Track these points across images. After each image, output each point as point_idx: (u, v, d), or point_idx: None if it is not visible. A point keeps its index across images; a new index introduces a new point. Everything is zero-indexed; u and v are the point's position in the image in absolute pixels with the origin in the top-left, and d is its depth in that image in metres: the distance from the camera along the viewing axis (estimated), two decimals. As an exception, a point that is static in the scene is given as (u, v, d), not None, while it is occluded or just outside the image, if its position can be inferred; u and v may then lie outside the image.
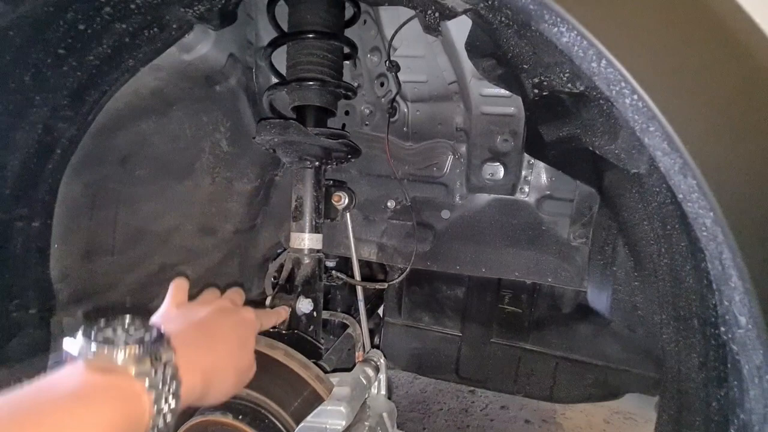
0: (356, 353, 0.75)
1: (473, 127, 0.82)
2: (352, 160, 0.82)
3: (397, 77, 0.82)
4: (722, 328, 0.34)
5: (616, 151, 0.55)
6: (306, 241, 0.77)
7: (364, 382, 0.60)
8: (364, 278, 1.23)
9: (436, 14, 0.61)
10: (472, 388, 2.17)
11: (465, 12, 0.57)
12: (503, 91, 0.74)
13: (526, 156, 0.83)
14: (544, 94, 0.61)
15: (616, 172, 0.64)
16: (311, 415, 0.53)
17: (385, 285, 0.88)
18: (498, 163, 0.84)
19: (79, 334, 0.36)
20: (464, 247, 0.91)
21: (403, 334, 1.05)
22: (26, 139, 0.72)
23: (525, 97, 0.73)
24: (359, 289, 0.86)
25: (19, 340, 0.81)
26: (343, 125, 0.97)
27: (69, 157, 0.81)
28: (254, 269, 1.28)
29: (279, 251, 1.27)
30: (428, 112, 0.87)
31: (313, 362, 0.60)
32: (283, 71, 0.81)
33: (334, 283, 0.85)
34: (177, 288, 0.55)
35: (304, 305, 0.72)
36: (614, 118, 0.52)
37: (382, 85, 0.90)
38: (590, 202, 0.81)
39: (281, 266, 0.84)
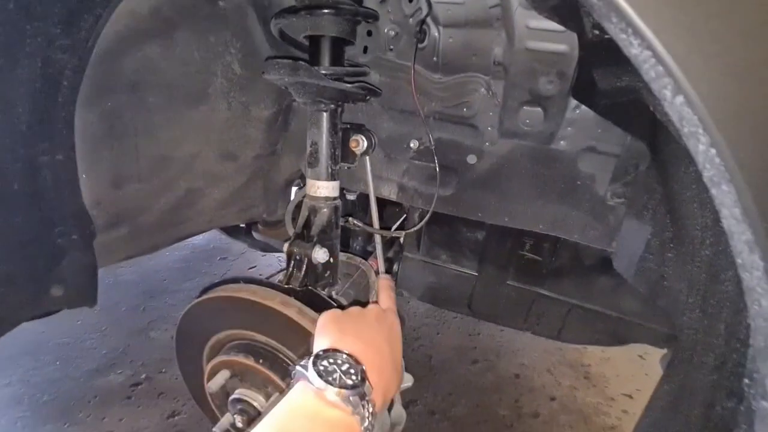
0: (370, 297, 0.78)
1: (514, 63, 0.70)
2: (370, 100, 0.73)
3: (428, -6, 0.68)
4: (746, 380, 0.31)
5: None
6: (322, 189, 0.75)
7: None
8: (386, 207, 1.23)
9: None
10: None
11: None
12: (555, 26, 0.61)
13: (572, 102, 0.71)
14: (607, 36, 0.49)
15: (675, 140, 0.54)
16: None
17: (402, 234, 0.87)
18: (538, 108, 0.73)
19: (310, 366, 0.48)
20: (489, 194, 0.86)
21: (420, 268, 1.08)
22: (29, 74, 0.69)
23: (582, 36, 0.59)
24: (376, 236, 0.85)
25: (68, 261, 0.89)
26: (365, 48, 0.85)
27: (77, 88, 0.77)
28: (278, 193, 1.30)
29: (300, 176, 1.26)
30: (463, 40, 0.74)
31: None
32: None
33: (351, 228, 0.85)
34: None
35: (320, 255, 0.73)
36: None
37: (410, 0, 0.76)
38: (638, 161, 0.71)
39: (299, 205, 0.84)
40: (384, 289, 0.73)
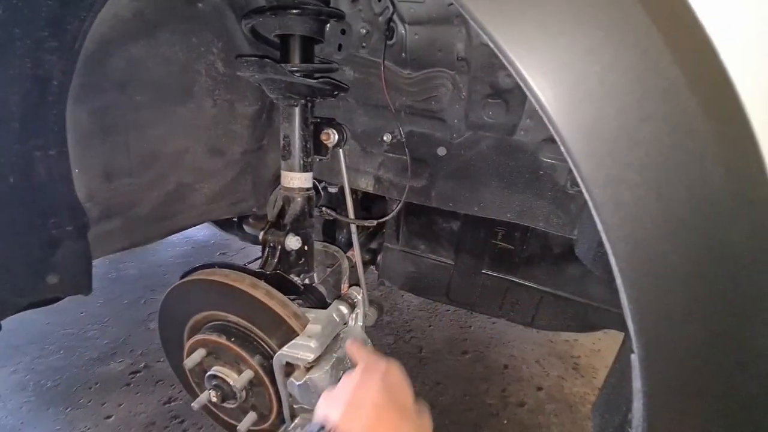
0: (342, 286, 0.82)
1: (474, 58, 0.73)
2: (338, 95, 0.77)
3: (391, -5, 0.72)
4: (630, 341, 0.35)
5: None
6: (295, 180, 0.79)
7: (337, 319, 0.68)
8: (369, 200, 1.26)
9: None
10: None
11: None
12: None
13: (531, 94, 0.74)
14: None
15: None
16: (287, 346, 0.61)
17: (374, 223, 0.91)
18: (500, 100, 0.77)
19: None
20: (459, 185, 0.89)
21: (400, 258, 1.12)
22: (19, 74, 0.73)
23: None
24: (352, 226, 0.89)
25: (62, 251, 0.94)
26: (339, 46, 0.89)
27: (67, 87, 0.82)
28: (266, 187, 1.34)
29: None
30: (427, 37, 0.77)
31: (293, 298, 0.68)
32: (266, -12, 0.73)
33: (326, 217, 0.89)
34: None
35: (293, 242, 0.77)
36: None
37: (379, 0, 0.80)
38: (594, 150, 0.74)
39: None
40: (352, 350, 0.63)
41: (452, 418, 1.49)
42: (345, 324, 0.70)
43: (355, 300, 0.72)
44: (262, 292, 0.65)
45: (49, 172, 0.87)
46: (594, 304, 0.95)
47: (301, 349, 0.60)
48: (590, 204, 0.35)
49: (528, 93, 0.35)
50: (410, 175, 0.89)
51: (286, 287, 0.68)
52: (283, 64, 0.69)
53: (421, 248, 1.10)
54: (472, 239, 1.03)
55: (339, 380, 0.62)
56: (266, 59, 0.66)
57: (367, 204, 1.28)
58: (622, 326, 0.98)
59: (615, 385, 0.65)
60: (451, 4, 0.69)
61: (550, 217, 0.83)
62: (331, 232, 1.21)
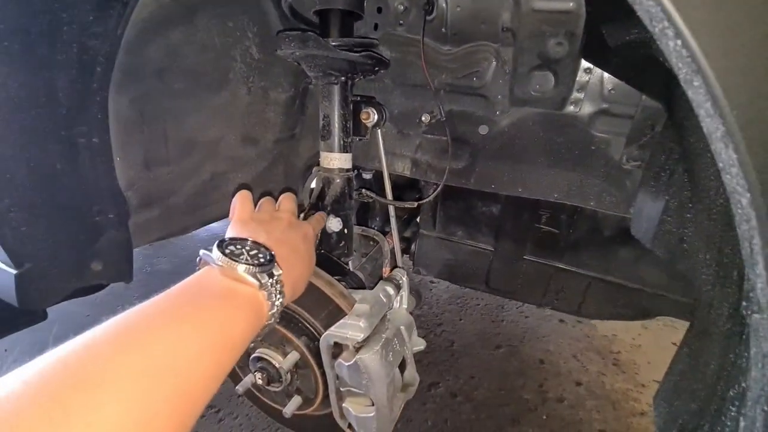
0: (383, 269, 0.80)
1: (522, 26, 0.69)
2: (380, 72, 0.75)
3: (433, -35, 0.69)
4: (744, 303, 0.31)
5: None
6: (335, 161, 0.77)
7: (384, 299, 0.65)
8: (402, 188, 1.24)
9: None
10: (511, 288, 2.27)
11: None
12: (561, -18, 0.60)
13: (583, 64, 0.70)
14: (611, -13, 0.49)
15: (688, 90, 0.53)
16: (335, 326, 0.60)
17: (415, 204, 0.88)
18: (548, 72, 0.73)
19: (215, 248, 0.47)
20: (501, 165, 0.86)
21: (436, 245, 1.08)
22: (66, 60, 0.74)
23: (587, -10, 0.59)
24: (391, 208, 0.87)
25: (106, 238, 0.96)
26: (376, 25, 0.87)
27: (110, 74, 0.83)
28: (298, 176, 1.34)
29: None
30: (470, 9, 0.74)
31: (338, 279, 0.66)
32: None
33: (365, 200, 0.87)
34: (243, 200, 0.65)
35: (334, 224, 0.76)
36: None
37: (418, -27, 0.77)
38: (654, 121, 0.69)
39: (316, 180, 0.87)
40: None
41: (488, 413, 1.45)
42: (390, 307, 0.68)
43: (400, 281, 0.70)
44: (308, 272, 0.63)
45: (93, 160, 0.89)
46: (648, 289, 0.89)
47: (350, 329, 0.58)
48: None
49: None
50: (450, 156, 0.86)
51: (331, 268, 0.67)
52: (324, 39, 0.68)
53: (459, 234, 1.07)
54: (514, 223, 0.98)
55: (389, 362, 0.60)
56: (309, 33, 0.64)
57: (397, 194, 1.26)
58: (679, 312, 0.92)
59: (684, 371, 0.60)
60: (499, -31, 0.66)
61: (603, 196, 0.78)
62: (364, 217, 1.19)
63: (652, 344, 1.85)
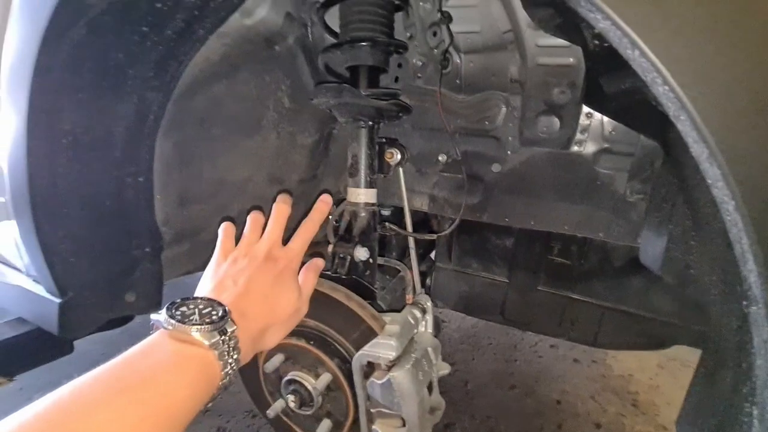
0: (407, 296, 0.85)
1: (529, 78, 0.79)
2: (404, 117, 0.84)
3: (449, 28, 0.80)
4: (744, 302, 0.36)
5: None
6: (362, 196, 0.84)
7: (412, 321, 0.69)
8: (416, 226, 1.31)
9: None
10: (522, 327, 2.26)
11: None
12: (561, 42, 0.70)
13: (584, 108, 0.79)
14: (605, 44, 0.58)
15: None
16: (368, 345, 0.63)
17: (435, 237, 0.94)
18: (553, 116, 0.82)
19: (164, 310, 0.47)
20: (514, 199, 0.92)
21: (452, 278, 1.13)
22: (126, 109, 0.84)
23: (585, 47, 0.68)
24: (410, 239, 0.93)
25: (140, 271, 1.01)
26: (396, 78, 0.98)
27: (160, 121, 0.93)
28: (317, 214, 1.41)
29: (339, 199, 1.37)
30: (482, 63, 0.85)
31: (368, 303, 0.70)
32: (337, 28, 0.83)
33: (387, 233, 0.93)
34: (225, 236, 0.68)
35: (361, 253, 0.81)
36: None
37: (434, 35, 0.88)
38: (652, 157, 0.77)
39: (341, 215, 0.94)
40: (309, 220, 0.70)
41: (508, 455, 1.41)
42: (416, 328, 0.72)
43: (425, 306, 0.74)
44: (342, 294, 0.68)
45: (137, 197, 0.97)
46: (661, 318, 0.92)
47: (382, 348, 0.62)
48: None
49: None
50: (466, 193, 0.93)
51: (361, 292, 0.71)
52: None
53: (474, 266, 1.11)
54: (527, 255, 1.04)
55: (420, 380, 0.63)
56: (344, 84, 0.74)
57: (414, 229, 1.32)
58: (693, 341, 0.94)
59: (702, 391, 0.63)
60: (507, 31, 0.77)
61: (611, 227, 0.84)
62: (381, 252, 1.25)
63: (671, 384, 1.81)
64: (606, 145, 0.81)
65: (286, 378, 0.71)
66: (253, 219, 0.70)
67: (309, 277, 0.67)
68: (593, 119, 0.80)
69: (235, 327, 0.49)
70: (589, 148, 0.82)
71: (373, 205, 0.86)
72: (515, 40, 0.77)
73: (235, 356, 0.48)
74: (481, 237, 1.08)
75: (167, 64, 0.84)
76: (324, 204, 0.75)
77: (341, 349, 0.68)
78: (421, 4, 0.87)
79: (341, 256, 0.81)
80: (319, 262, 0.71)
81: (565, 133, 0.82)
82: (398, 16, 0.89)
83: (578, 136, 0.82)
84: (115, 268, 0.96)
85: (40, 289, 0.94)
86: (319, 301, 0.69)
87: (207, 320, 0.46)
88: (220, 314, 0.48)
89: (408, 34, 0.91)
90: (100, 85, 0.77)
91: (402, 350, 0.63)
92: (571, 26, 0.65)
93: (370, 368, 0.64)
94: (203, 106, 0.99)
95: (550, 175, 0.87)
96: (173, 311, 0.47)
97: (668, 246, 0.74)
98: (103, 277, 0.94)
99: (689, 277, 0.70)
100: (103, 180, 0.88)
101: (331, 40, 0.95)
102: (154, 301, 1.05)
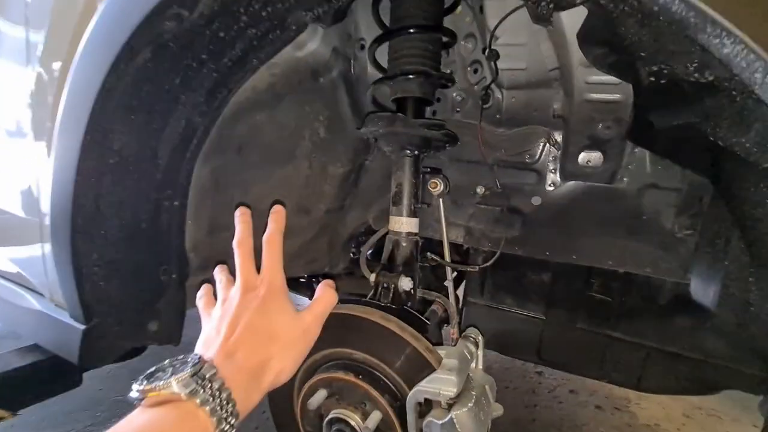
0: (450, 330, 0.81)
1: (574, 113, 0.81)
2: (449, 148, 0.85)
3: (495, 65, 0.83)
4: None
5: (747, 144, 0.52)
6: (404, 224, 0.83)
7: (468, 356, 0.66)
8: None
9: (551, 5, 0.61)
10: (540, 369, 2.18)
11: (584, 3, 0.57)
12: (611, 78, 0.72)
13: (630, 142, 0.80)
14: (662, 81, 0.59)
15: (740, 163, 0.61)
16: (425, 380, 0.60)
17: (476, 268, 0.93)
18: (597, 151, 0.83)
19: (134, 384, 0.44)
20: (554, 233, 0.91)
21: (484, 314, 1.09)
22: (173, 133, 0.85)
23: (637, 84, 0.70)
24: (448, 271, 0.91)
25: (166, 298, 0.98)
26: (434, 112, 1.00)
27: (201, 147, 0.94)
28: (340, 246, 1.39)
29: (363, 231, 1.36)
30: (524, 99, 0.87)
31: (421, 334, 0.67)
32: (383, 62, 0.86)
33: (428, 264, 0.91)
34: (204, 300, 0.66)
35: (405, 283, 0.79)
36: (748, 109, 0.49)
37: (475, 72, 0.91)
38: (701, 193, 0.77)
39: (374, 246, 0.92)
40: (267, 241, 0.67)
41: None
42: (471, 363, 0.68)
43: (477, 339, 0.71)
44: (395, 325, 0.65)
45: (170, 222, 0.95)
46: (711, 360, 0.89)
47: (442, 384, 0.58)
48: None
49: None
50: (506, 225, 0.92)
51: (413, 322, 0.68)
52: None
53: (508, 302, 1.08)
54: (566, 291, 1.01)
55: (482, 421, 0.59)
56: (397, 114, 0.75)
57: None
58: (748, 385, 0.90)
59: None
60: (553, 69, 0.79)
61: (658, 262, 0.82)
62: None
63: (701, 435, 1.72)
64: (652, 180, 0.81)
65: (329, 416, 0.66)
66: (220, 267, 0.69)
67: (325, 293, 0.63)
68: (638, 154, 0.81)
69: (215, 370, 0.45)
70: (634, 182, 0.83)
71: (415, 234, 0.85)
72: (561, 77, 0.79)
73: (225, 398, 0.43)
74: (516, 271, 1.06)
75: (218, 91, 0.86)
76: (278, 214, 0.73)
77: (393, 384, 0.64)
78: (462, 43, 0.90)
79: (385, 285, 0.79)
80: (329, 282, 0.68)
81: (609, 167, 0.83)
82: (439, 54, 0.92)
83: (623, 170, 0.83)
84: (142, 295, 0.92)
85: (63, 315, 0.90)
86: (369, 332, 0.66)
87: (178, 372, 0.43)
88: (192, 363, 0.45)
89: (449, 71, 0.94)
90: (153, 108, 0.78)
91: (461, 386, 0.60)
92: (625, 64, 0.67)
93: (426, 406, 0.60)
94: (243, 133, 1.00)
95: (593, 210, 0.87)
96: (143, 379, 0.44)
97: (724, 283, 0.72)
98: (129, 304, 0.90)
99: (751, 315, 0.68)
100: (142, 202, 0.87)
101: (372, 74, 0.98)
102: (176, 332, 1.00)
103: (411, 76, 0.79)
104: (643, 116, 0.73)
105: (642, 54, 0.57)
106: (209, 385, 0.43)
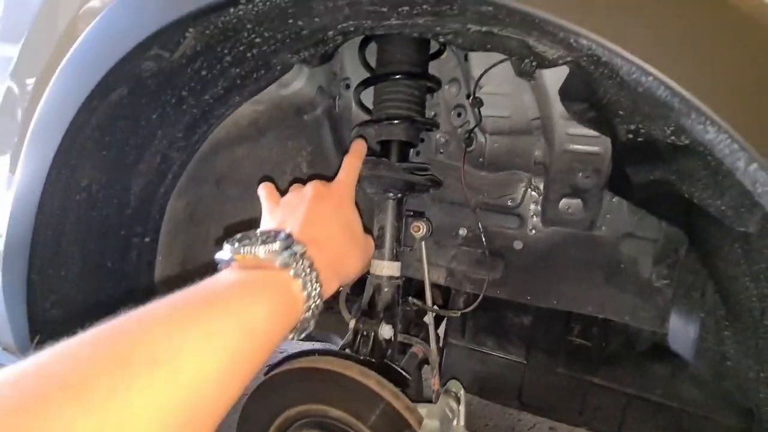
0: (432, 380, 0.78)
1: (554, 162, 0.82)
2: (432, 191, 0.85)
3: (479, 112, 0.84)
4: None
5: (722, 207, 0.53)
6: (386, 269, 0.81)
7: (450, 414, 0.63)
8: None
9: (534, 63, 0.62)
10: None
11: (565, 63, 0.58)
12: (591, 131, 0.74)
13: (608, 192, 0.82)
14: (639, 139, 0.61)
15: (715, 222, 0.62)
16: (404, 445, 0.56)
17: (458, 313, 0.91)
18: (577, 199, 0.84)
19: (225, 245, 0.43)
20: (536, 278, 0.91)
21: (465, 356, 1.07)
22: (147, 168, 0.82)
23: (615, 139, 0.72)
24: (430, 316, 0.89)
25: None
26: (417, 152, 1.01)
27: (177, 181, 0.90)
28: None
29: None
30: (507, 145, 0.88)
31: (402, 391, 0.64)
32: (368, 102, 0.86)
33: (410, 308, 0.89)
34: (268, 190, 0.65)
35: (386, 331, 0.76)
36: (723, 175, 0.50)
37: (459, 115, 0.93)
38: (676, 244, 0.79)
39: (353, 290, 0.89)
40: (350, 155, 0.67)
41: None
42: (453, 422, 0.65)
43: (459, 395, 0.69)
44: (374, 381, 0.62)
45: (140, 258, 0.91)
46: (689, 409, 0.89)
47: (423, 449, 0.55)
48: None
49: None
50: (488, 268, 0.92)
51: (393, 378, 0.65)
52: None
53: (489, 344, 1.07)
54: (546, 335, 1.00)
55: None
56: (382, 159, 0.74)
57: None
58: (725, 436, 0.89)
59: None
60: (535, 118, 0.81)
61: (636, 311, 0.83)
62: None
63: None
64: (629, 230, 0.83)
65: (301, 480, 0.61)
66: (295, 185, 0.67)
67: (351, 162, 0.66)
68: (616, 203, 0.83)
69: (304, 247, 0.44)
70: (613, 231, 0.84)
71: (397, 278, 0.83)
72: (543, 127, 0.81)
73: (313, 276, 0.43)
74: (497, 313, 1.05)
75: (198, 126, 0.83)
76: (360, 144, 0.73)
77: (372, 446, 0.60)
78: (446, 87, 0.92)
79: (365, 333, 0.76)
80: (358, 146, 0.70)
81: (588, 215, 0.84)
82: (424, 96, 0.93)
83: (601, 218, 0.84)
84: (103, 335, 0.86)
85: (9, 361, 0.83)
86: (347, 388, 0.63)
87: (270, 242, 0.41)
88: (283, 237, 0.43)
89: (432, 113, 0.95)
90: (127, 142, 0.75)
91: (443, 451, 0.57)
92: (604, 120, 0.69)
93: (404, 472, 0.57)
94: (223, 167, 0.97)
95: (573, 256, 0.87)
96: (236, 243, 0.42)
97: (700, 335, 0.73)
98: (88, 347, 0.84)
99: (727, 369, 0.69)
100: (109, 240, 0.82)
101: (356, 113, 0.98)
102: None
103: (396, 121, 0.79)
104: (620, 169, 0.75)
105: (620, 113, 0.59)
106: (300, 261, 0.42)
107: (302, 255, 0.43)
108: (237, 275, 0.40)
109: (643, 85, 0.36)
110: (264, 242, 0.42)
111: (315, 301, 0.43)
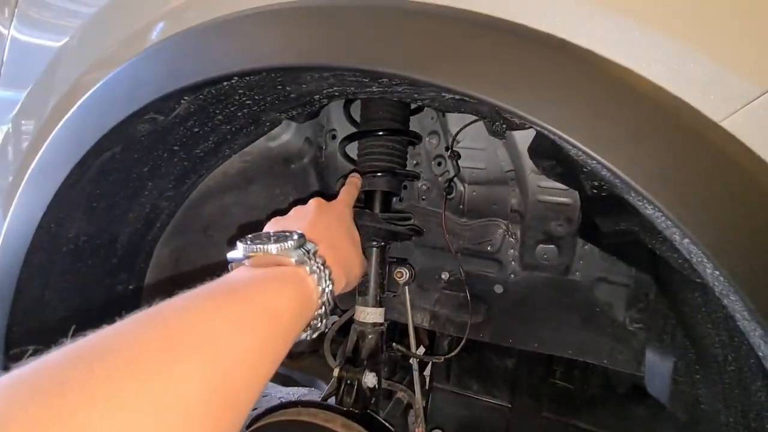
0: (416, 429, 0.78)
1: (528, 211, 0.87)
2: (414, 239, 0.88)
3: (457, 163, 0.89)
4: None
5: (679, 260, 0.58)
6: (369, 315, 0.83)
7: (433, 469, 0.63)
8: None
9: (504, 125, 0.68)
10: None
11: (531, 127, 0.64)
12: (561, 185, 0.79)
13: (580, 240, 0.86)
14: (603, 193, 0.66)
15: (677, 271, 0.66)
16: (387, 501, 0.56)
17: (441, 359, 0.92)
18: (552, 245, 0.88)
19: (239, 244, 0.43)
20: (516, 321, 0.94)
21: (451, 400, 1.07)
22: (136, 217, 0.83)
23: (582, 192, 0.78)
24: (414, 362, 0.90)
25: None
26: (401, 199, 1.05)
27: (164, 229, 0.92)
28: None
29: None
30: (484, 194, 0.93)
31: (385, 444, 0.64)
32: (352, 153, 0.91)
33: (394, 354, 0.90)
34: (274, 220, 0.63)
35: (370, 380, 0.77)
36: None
37: (439, 164, 0.98)
38: (647, 289, 0.83)
39: (340, 331, 0.90)
40: (346, 190, 0.71)
41: None
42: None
43: (443, 446, 0.69)
44: (357, 435, 0.62)
45: (122, 306, 0.90)
46: (670, 452, 0.89)
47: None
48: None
49: None
50: (471, 312, 0.94)
51: (377, 430, 0.66)
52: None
53: (474, 388, 1.07)
54: (529, 378, 1.01)
55: None
56: (365, 209, 0.78)
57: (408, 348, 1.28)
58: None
59: None
60: (509, 170, 0.86)
61: (613, 353, 0.86)
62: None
63: None
64: (602, 275, 0.87)
65: None
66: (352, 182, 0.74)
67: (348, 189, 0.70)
68: (589, 249, 0.87)
69: (316, 246, 0.46)
70: (587, 276, 0.88)
71: (381, 325, 0.84)
72: (516, 179, 0.86)
73: (327, 273, 0.44)
74: (481, 356, 1.06)
75: (188, 177, 0.86)
76: (356, 177, 0.77)
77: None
78: (427, 139, 0.98)
79: (348, 382, 0.76)
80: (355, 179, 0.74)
81: (563, 261, 0.88)
82: (406, 146, 0.98)
83: (576, 264, 0.88)
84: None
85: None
86: (330, 442, 0.62)
87: (284, 239, 0.42)
88: (296, 236, 0.44)
89: (414, 162, 1.01)
90: (117, 194, 0.77)
91: (426, 507, 0.56)
92: (571, 176, 0.75)
93: None
94: (211, 214, 1.00)
95: (551, 300, 0.91)
96: (249, 241, 0.43)
97: (674, 378, 0.75)
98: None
99: (701, 412, 0.71)
100: (93, 289, 0.82)
101: (342, 162, 1.02)
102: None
103: (379, 174, 0.83)
104: (590, 218, 0.80)
105: (584, 169, 0.64)
106: (314, 258, 0.43)
107: (314, 253, 0.45)
108: (254, 271, 0.41)
109: (589, 165, 0.41)
110: (277, 241, 0.42)
111: (328, 297, 0.44)
